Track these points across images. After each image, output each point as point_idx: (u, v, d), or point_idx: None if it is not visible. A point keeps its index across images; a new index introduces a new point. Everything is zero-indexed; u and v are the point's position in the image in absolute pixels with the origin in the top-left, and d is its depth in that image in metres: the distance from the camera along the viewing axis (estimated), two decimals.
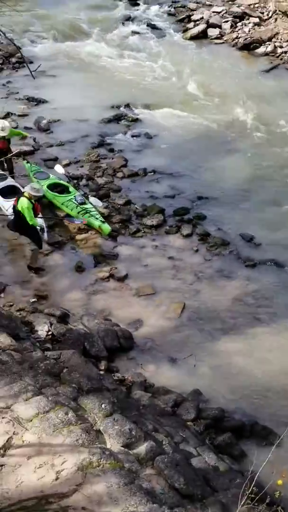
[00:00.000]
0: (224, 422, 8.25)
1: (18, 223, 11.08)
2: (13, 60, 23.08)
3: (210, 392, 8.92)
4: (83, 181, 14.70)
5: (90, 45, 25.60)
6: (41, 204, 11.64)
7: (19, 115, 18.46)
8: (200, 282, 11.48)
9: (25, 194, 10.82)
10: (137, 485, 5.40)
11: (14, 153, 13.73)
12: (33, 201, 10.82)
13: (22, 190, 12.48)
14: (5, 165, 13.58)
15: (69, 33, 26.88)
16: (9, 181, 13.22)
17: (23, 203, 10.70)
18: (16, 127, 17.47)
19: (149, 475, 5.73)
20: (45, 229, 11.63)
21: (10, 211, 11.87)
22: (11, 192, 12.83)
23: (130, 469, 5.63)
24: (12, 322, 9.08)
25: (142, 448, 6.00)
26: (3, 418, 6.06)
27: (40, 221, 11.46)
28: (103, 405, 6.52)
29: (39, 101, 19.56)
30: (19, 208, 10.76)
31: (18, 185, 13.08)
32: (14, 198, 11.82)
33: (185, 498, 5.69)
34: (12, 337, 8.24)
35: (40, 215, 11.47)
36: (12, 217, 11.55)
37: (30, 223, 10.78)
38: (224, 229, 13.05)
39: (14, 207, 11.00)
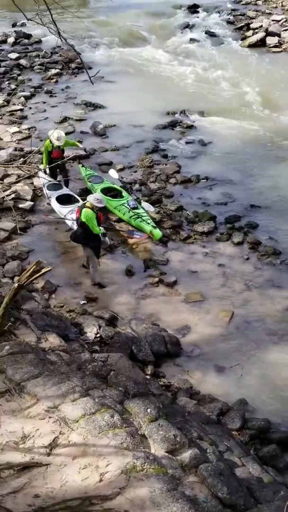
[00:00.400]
0: (270, 433, 8.15)
1: (82, 234, 11.05)
2: (73, 65, 23.54)
3: (256, 402, 8.83)
4: (136, 186, 14.82)
5: (148, 52, 25.81)
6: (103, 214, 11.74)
7: (76, 120, 18.78)
8: (250, 291, 11.39)
9: (88, 204, 10.86)
10: (180, 492, 5.39)
11: (70, 157, 13.95)
12: (96, 210, 10.86)
13: (77, 197, 13.19)
14: (58, 172, 13.80)
15: (127, 40, 27.18)
16: (65, 190, 13.51)
17: (87, 214, 10.73)
18: (73, 132, 17.79)
19: (192, 483, 5.71)
20: (106, 236, 11.66)
21: (69, 216, 12.34)
22: (67, 200, 13.18)
23: (173, 475, 5.63)
24: (62, 323, 9.21)
25: (186, 455, 5.99)
26: (50, 417, 6.15)
27: (102, 230, 11.44)
28: (148, 410, 6.54)
29: (96, 106, 19.82)
30: (83, 219, 10.78)
31: (74, 194, 13.39)
32: (72, 207, 12.42)
33: (228, 508, 5.64)
34: (62, 338, 8.35)
35: (102, 225, 11.46)
36: (74, 228, 11.72)
37: (94, 232, 10.81)
38: (276, 238, 12.91)
39: (78, 219, 11.06)
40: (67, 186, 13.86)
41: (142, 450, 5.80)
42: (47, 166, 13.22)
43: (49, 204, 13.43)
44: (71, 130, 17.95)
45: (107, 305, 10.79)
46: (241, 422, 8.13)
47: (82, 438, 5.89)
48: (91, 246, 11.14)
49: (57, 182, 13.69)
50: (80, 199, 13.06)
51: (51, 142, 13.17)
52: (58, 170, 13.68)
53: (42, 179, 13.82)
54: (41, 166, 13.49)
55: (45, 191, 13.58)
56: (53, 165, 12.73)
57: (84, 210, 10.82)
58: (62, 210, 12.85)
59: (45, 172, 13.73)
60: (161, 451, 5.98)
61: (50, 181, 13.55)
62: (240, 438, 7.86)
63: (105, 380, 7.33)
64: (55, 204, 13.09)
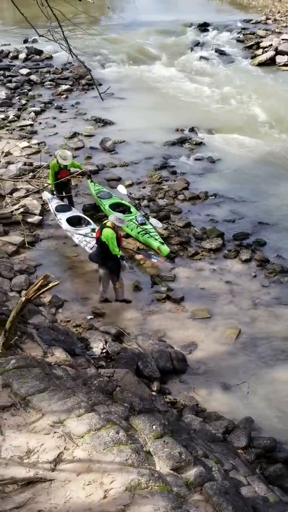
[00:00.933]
0: (276, 452, 8.07)
1: (100, 254, 10.93)
2: (83, 81, 23.81)
3: (263, 421, 8.76)
4: (145, 202, 14.87)
5: (158, 69, 26.09)
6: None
7: (85, 135, 18.92)
8: (257, 308, 11.34)
9: (108, 224, 10.74)
10: (184, 510, 5.33)
11: (78, 172, 14.01)
12: (116, 230, 10.75)
13: (87, 218, 13.10)
14: (64, 193, 13.77)
15: (138, 57, 27.47)
16: (75, 212, 13.42)
17: (108, 233, 10.61)
18: (82, 147, 17.92)
19: (197, 501, 5.66)
20: (124, 260, 11.39)
21: (82, 238, 12.24)
22: (78, 222, 13.06)
23: (178, 493, 5.57)
24: (68, 337, 9.20)
25: (191, 473, 5.93)
26: (55, 432, 6.11)
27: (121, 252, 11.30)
28: (154, 427, 6.49)
29: (105, 122, 19.98)
30: (103, 239, 10.66)
31: (84, 215, 13.32)
32: (84, 229, 12.41)
33: None
34: (68, 352, 8.33)
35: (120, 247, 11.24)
36: (88, 251, 11.78)
37: (114, 252, 10.67)
38: (284, 256, 12.88)
39: (97, 239, 10.92)
40: (71, 204, 13.80)
41: (147, 467, 5.75)
42: (53, 183, 13.23)
43: (59, 225, 13.23)
44: (81, 146, 18.08)
45: (114, 321, 10.78)
46: (247, 441, 8.06)
47: (87, 454, 5.85)
48: (108, 266, 10.98)
49: (65, 204, 13.62)
50: (90, 221, 13.01)
51: (57, 162, 13.13)
52: (63, 188, 13.75)
53: (48, 200, 13.85)
54: (49, 183, 13.53)
55: (53, 211, 13.44)
56: (58, 181, 12.71)
57: (104, 229, 10.69)
58: (75, 233, 12.68)
59: (52, 192, 13.81)
60: (166, 468, 5.93)
61: (57, 202, 13.54)
62: (246, 456, 7.79)
63: (111, 396, 7.30)
64: (67, 227, 12.88)
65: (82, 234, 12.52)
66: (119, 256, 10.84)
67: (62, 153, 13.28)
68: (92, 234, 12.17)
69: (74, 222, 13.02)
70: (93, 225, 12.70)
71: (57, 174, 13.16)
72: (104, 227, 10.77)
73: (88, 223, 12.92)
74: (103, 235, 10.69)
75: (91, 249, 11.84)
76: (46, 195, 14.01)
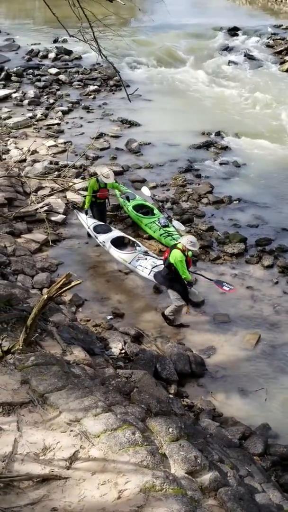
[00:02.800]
0: None
1: (167, 276, 10.43)
2: (111, 82, 23.88)
3: (280, 428, 8.69)
4: (168, 205, 14.86)
5: (186, 72, 26.06)
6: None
7: (111, 136, 18.96)
8: (278, 315, 11.27)
9: (179, 246, 10.20)
10: None
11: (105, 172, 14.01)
12: (186, 253, 10.24)
13: (131, 238, 12.58)
14: (94, 214, 13.06)
15: (166, 60, 27.47)
16: (117, 232, 12.74)
17: (177, 256, 10.08)
18: (108, 148, 17.99)
19: (211, 506, 5.64)
20: (193, 286, 10.89)
21: (136, 263, 11.57)
22: (122, 243, 12.48)
23: (192, 497, 5.55)
24: (88, 336, 9.23)
25: (206, 478, 5.91)
26: (71, 431, 6.13)
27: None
28: (170, 429, 6.48)
29: (132, 124, 20.02)
30: (172, 260, 10.14)
31: (126, 235, 12.76)
32: (135, 253, 11.71)
33: None
34: (87, 352, 8.36)
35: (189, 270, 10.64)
36: (147, 277, 11.33)
37: (183, 276, 10.18)
38: None
39: (166, 260, 10.36)
40: (104, 220, 13.14)
41: (162, 470, 5.74)
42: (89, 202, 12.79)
43: (104, 247, 12.43)
44: (106, 146, 18.14)
45: (134, 322, 10.79)
46: (263, 447, 8.01)
47: (102, 454, 5.86)
48: (175, 289, 10.50)
49: (103, 223, 12.93)
50: (135, 240, 12.49)
51: (97, 181, 12.60)
52: (101, 208, 13.10)
53: (83, 221, 13.09)
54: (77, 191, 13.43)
55: (93, 233, 12.68)
56: (98, 200, 12.40)
57: (174, 251, 10.15)
58: (124, 256, 11.94)
59: (86, 213, 13.00)
60: (181, 471, 5.91)
61: (94, 222, 12.80)
62: (262, 463, 7.74)
63: (128, 397, 7.30)
64: (115, 252, 12.12)
65: (135, 259, 11.76)
66: (188, 280, 10.36)
67: (105, 170, 12.77)
68: (146, 258, 11.62)
69: (119, 243, 12.36)
70: (142, 247, 12.16)
71: (97, 193, 12.62)
72: (174, 248, 10.23)
73: (133, 244, 12.34)
74: (171, 257, 10.14)
75: (148, 274, 11.28)
76: (81, 216, 13.18)
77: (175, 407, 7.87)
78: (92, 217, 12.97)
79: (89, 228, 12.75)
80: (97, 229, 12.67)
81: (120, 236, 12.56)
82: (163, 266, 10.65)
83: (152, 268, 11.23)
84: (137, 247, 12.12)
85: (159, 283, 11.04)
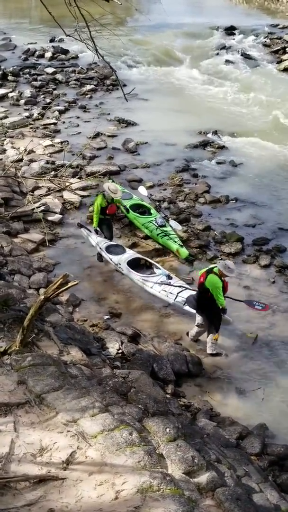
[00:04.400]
0: None
1: (201, 300, 9.89)
2: (108, 82, 23.88)
3: (277, 428, 8.69)
4: (165, 204, 14.84)
5: (183, 72, 26.06)
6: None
7: (108, 136, 18.95)
8: (275, 314, 11.27)
9: (215, 270, 9.64)
10: None
11: (101, 172, 13.98)
12: (223, 278, 9.71)
13: (148, 260, 11.89)
14: (104, 232, 12.53)
15: (163, 59, 27.48)
16: (131, 253, 12.12)
17: (214, 282, 9.53)
18: (105, 147, 17.98)
19: (208, 506, 5.63)
20: (226, 313, 10.13)
21: (159, 288, 10.99)
22: (137, 264, 11.83)
23: (189, 498, 5.54)
24: (84, 336, 9.21)
25: (204, 478, 5.90)
26: (68, 431, 6.12)
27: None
28: (167, 429, 6.48)
29: (128, 123, 20.01)
30: (207, 286, 9.58)
31: (142, 257, 12.08)
32: (157, 277, 11.08)
33: None
34: (84, 352, 8.35)
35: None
36: (177, 298, 10.75)
37: (218, 302, 9.62)
38: None
39: (201, 284, 9.73)
40: (111, 237, 12.56)
41: (159, 470, 5.73)
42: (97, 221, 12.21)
43: (120, 269, 11.84)
44: (103, 146, 18.12)
45: (131, 322, 10.77)
46: (260, 447, 8.01)
47: (99, 454, 5.85)
48: (207, 315, 9.95)
49: (115, 243, 12.37)
50: (151, 261, 11.93)
51: (104, 197, 12.05)
52: (109, 224, 12.56)
53: (93, 241, 12.45)
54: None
55: (106, 255, 12.05)
56: (107, 217, 12.09)
57: (211, 276, 9.56)
58: (148, 282, 11.25)
59: (96, 232, 12.39)
60: (178, 472, 5.91)
61: (105, 242, 12.20)
62: (259, 463, 7.73)
63: (125, 397, 7.29)
64: (134, 276, 11.50)
65: (158, 283, 11.13)
66: (222, 307, 9.79)
67: (112, 186, 12.26)
68: (169, 282, 11.02)
69: (134, 265, 11.72)
70: (163, 269, 11.55)
71: (105, 209, 12.09)
72: (211, 272, 9.64)
73: (151, 265, 11.77)
74: (208, 282, 9.56)
75: (174, 299, 10.76)
76: (91, 236, 12.50)
77: (172, 407, 7.86)
78: (101, 236, 12.38)
79: (101, 249, 12.12)
80: (109, 250, 12.03)
81: (136, 258, 11.94)
82: (189, 290, 10.28)
83: (177, 294, 10.67)
84: (157, 269, 11.58)
85: (191, 307, 10.34)
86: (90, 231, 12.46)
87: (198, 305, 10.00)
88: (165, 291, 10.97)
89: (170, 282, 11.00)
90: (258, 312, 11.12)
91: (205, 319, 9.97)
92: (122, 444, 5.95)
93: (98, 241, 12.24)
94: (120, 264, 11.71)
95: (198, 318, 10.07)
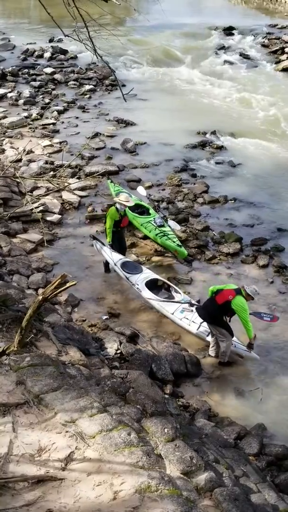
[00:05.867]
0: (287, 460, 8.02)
1: (216, 311, 9.59)
2: (107, 82, 23.91)
3: (275, 428, 8.70)
4: (164, 204, 14.86)
5: (182, 72, 26.11)
6: None
7: (107, 136, 18.96)
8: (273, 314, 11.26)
9: (243, 292, 9.46)
10: None
11: (100, 172, 13.95)
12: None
13: (165, 281, 11.39)
14: (116, 245, 12.02)
15: (162, 59, 27.53)
16: (149, 273, 11.50)
17: (243, 304, 9.32)
18: (103, 147, 17.99)
19: (206, 506, 5.64)
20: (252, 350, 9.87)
21: (180, 315, 10.49)
22: (154, 285, 11.28)
23: (187, 498, 5.55)
24: (83, 337, 9.22)
25: (202, 478, 5.91)
26: (67, 432, 6.13)
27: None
28: (165, 430, 6.49)
29: (127, 123, 20.03)
30: (234, 307, 9.32)
31: (160, 278, 11.49)
32: (178, 303, 10.58)
33: None
34: (82, 352, 8.35)
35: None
36: (200, 329, 10.30)
37: (246, 326, 9.43)
38: None
39: (228, 302, 9.37)
40: (124, 252, 12.17)
41: (158, 470, 5.74)
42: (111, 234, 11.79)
43: (137, 290, 11.21)
44: (102, 146, 18.13)
45: (129, 322, 10.78)
46: (258, 447, 8.02)
47: (97, 455, 5.85)
48: (217, 324, 9.70)
49: (131, 261, 11.94)
50: (169, 283, 11.37)
51: (117, 210, 11.63)
52: (122, 238, 12.22)
53: (107, 256, 11.90)
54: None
55: (121, 272, 11.49)
56: (119, 229, 11.74)
57: (240, 298, 9.34)
58: (169, 308, 10.69)
59: (111, 246, 11.90)
60: (176, 472, 5.91)
61: (120, 258, 11.71)
62: (257, 463, 7.74)
63: (124, 397, 7.30)
64: (154, 300, 10.93)
65: (180, 310, 10.59)
66: (249, 341, 9.70)
67: (123, 196, 11.80)
68: (192, 309, 10.47)
69: (152, 286, 11.18)
70: (183, 295, 10.99)
71: (119, 223, 11.76)
72: (239, 293, 9.41)
73: (168, 287, 11.25)
74: (236, 303, 9.31)
75: (197, 329, 10.30)
76: (104, 250, 11.96)
77: (171, 407, 7.88)
78: (115, 250, 11.90)
79: (115, 264, 11.65)
80: (125, 267, 11.54)
81: (154, 279, 11.38)
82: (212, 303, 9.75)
83: (201, 323, 10.24)
84: (176, 293, 11.06)
85: (202, 318, 10.02)
86: (104, 244, 12.00)
87: (211, 317, 9.71)
88: (187, 319, 10.48)
89: (192, 310, 10.45)
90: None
91: (216, 328, 9.76)
92: (120, 445, 5.96)
93: (113, 257, 11.73)
94: (137, 284, 11.15)
95: (212, 329, 9.89)
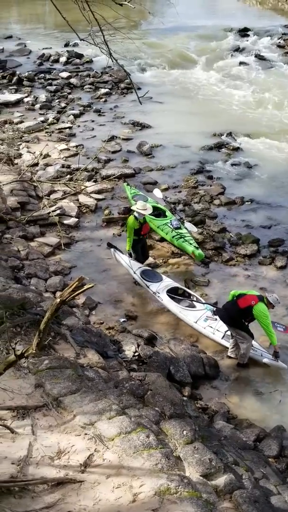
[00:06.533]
0: None
1: (238, 317, 9.62)
2: (122, 85, 23.96)
3: None
4: (180, 206, 14.85)
5: (197, 74, 26.10)
6: None
7: (123, 139, 19.00)
8: None
9: (265, 300, 9.49)
10: None
11: (116, 175, 13.97)
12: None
13: (186, 289, 11.27)
14: (137, 254, 11.97)
15: (177, 62, 27.54)
16: (169, 281, 11.46)
17: (264, 311, 9.35)
18: (119, 150, 18.02)
19: (226, 509, 5.62)
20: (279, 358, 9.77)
21: (204, 324, 10.38)
22: (175, 293, 11.13)
23: (207, 500, 5.54)
24: (101, 339, 9.24)
25: (221, 480, 5.89)
26: (86, 434, 6.14)
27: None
28: (184, 432, 6.48)
29: (143, 126, 20.05)
30: (256, 313, 9.34)
31: (181, 286, 11.43)
32: (200, 311, 10.51)
33: None
34: (100, 355, 8.37)
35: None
36: (225, 337, 10.19)
37: (268, 333, 9.44)
38: None
39: (250, 307, 9.39)
40: (146, 257, 12.22)
41: (177, 473, 5.73)
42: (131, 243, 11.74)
43: (158, 298, 11.14)
44: (118, 149, 18.17)
45: (147, 324, 10.78)
46: (278, 450, 7.96)
47: (116, 457, 5.86)
48: (237, 327, 9.71)
49: (150, 269, 11.83)
50: (193, 293, 11.19)
51: (136, 219, 11.46)
52: (143, 246, 12.11)
53: (126, 264, 11.85)
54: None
55: (141, 280, 11.45)
56: (140, 237, 11.64)
57: (262, 304, 9.36)
58: (192, 316, 10.60)
59: (130, 255, 11.91)
60: (195, 474, 5.90)
61: (139, 266, 11.67)
62: (277, 465, 7.70)
63: (142, 399, 7.30)
64: (176, 307, 10.85)
65: (203, 318, 10.48)
66: (274, 349, 9.68)
67: (140, 204, 11.54)
68: (216, 318, 10.31)
69: (173, 294, 11.08)
70: (204, 303, 10.86)
71: (139, 231, 11.66)
72: (262, 300, 9.45)
73: (189, 296, 11.10)
74: (258, 309, 9.33)
75: (222, 338, 10.21)
76: (123, 259, 11.97)
77: (189, 409, 7.87)
78: (135, 258, 11.90)
79: (135, 273, 11.58)
80: (145, 276, 11.50)
81: (175, 287, 11.28)
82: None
83: (225, 332, 10.14)
84: (198, 302, 10.90)
85: (221, 319, 9.97)
86: (122, 252, 12.01)
87: (231, 320, 9.69)
88: (211, 327, 10.35)
89: (216, 318, 10.31)
90: (273, 315, 11.05)
91: (235, 330, 9.76)
92: (139, 447, 5.96)
93: (132, 265, 11.69)
94: (159, 292, 11.10)
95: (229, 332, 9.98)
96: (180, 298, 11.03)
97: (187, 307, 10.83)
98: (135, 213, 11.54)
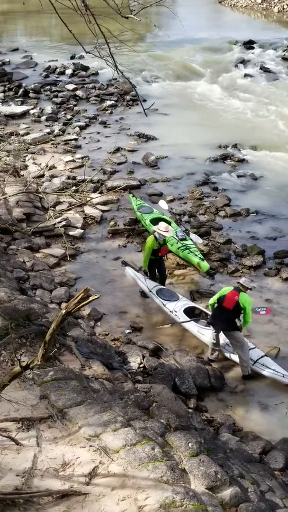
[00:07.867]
0: None
1: (231, 320, 9.73)
2: (127, 97, 24.09)
3: None
4: (185, 218, 14.87)
5: (202, 86, 26.20)
6: None
7: (128, 150, 19.08)
8: None
9: (241, 287, 9.71)
10: None
11: (122, 186, 14.00)
12: None
13: (201, 308, 11.16)
14: (155, 274, 11.92)
15: (182, 74, 27.68)
16: (185, 300, 11.38)
17: (248, 299, 9.64)
18: (125, 162, 18.08)
19: None
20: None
21: (224, 343, 10.20)
22: (192, 314, 11.05)
23: None
24: (106, 351, 9.22)
25: (227, 493, 5.86)
26: (91, 446, 6.12)
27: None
28: (190, 444, 6.44)
29: (148, 138, 20.14)
30: (244, 304, 9.56)
31: (197, 306, 11.34)
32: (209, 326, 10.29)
33: None
34: (105, 366, 8.36)
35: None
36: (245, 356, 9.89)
37: (249, 317, 9.73)
38: None
39: (235, 304, 9.56)
40: (164, 282, 12.00)
41: (182, 485, 5.70)
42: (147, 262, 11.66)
43: (175, 317, 11.02)
44: (124, 161, 18.24)
45: (152, 336, 10.76)
46: (284, 462, 7.90)
47: (121, 469, 5.83)
48: (236, 332, 9.79)
49: (166, 288, 11.74)
50: (208, 312, 10.69)
51: (156, 239, 11.33)
52: (160, 267, 11.97)
53: (142, 282, 11.79)
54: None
55: (157, 299, 11.40)
56: (155, 259, 11.54)
57: (244, 294, 9.62)
58: (209, 335, 10.29)
59: (145, 273, 11.80)
60: (201, 487, 5.86)
61: (155, 285, 11.64)
62: (283, 478, 7.63)
63: (147, 411, 7.27)
64: (194, 327, 10.75)
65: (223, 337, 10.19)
66: (247, 325, 9.92)
67: (162, 226, 11.45)
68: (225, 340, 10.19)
69: (190, 314, 11.03)
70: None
71: (158, 252, 11.51)
72: (240, 291, 9.68)
73: (206, 315, 10.74)
74: (244, 300, 9.58)
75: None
76: (138, 277, 11.92)
77: (195, 421, 7.83)
78: (151, 277, 11.79)
79: (150, 291, 11.53)
80: (162, 295, 11.45)
81: (192, 306, 11.23)
82: (256, 349, 9.98)
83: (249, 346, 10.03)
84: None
85: (212, 325, 10.01)
86: (136, 270, 12.03)
87: (229, 325, 9.73)
88: (229, 344, 10.12)
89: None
90: (279, 326, 11.07)
91: (233, 335, 9.79)
92: (144, 459, 5.93)
93: (147, 284, 11.61)
94: (176, 311, 11.01)
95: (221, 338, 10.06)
96: (198, 318, 10.93)
97: (205, 327, 10.61)
98: (155, 234, 11.38)
